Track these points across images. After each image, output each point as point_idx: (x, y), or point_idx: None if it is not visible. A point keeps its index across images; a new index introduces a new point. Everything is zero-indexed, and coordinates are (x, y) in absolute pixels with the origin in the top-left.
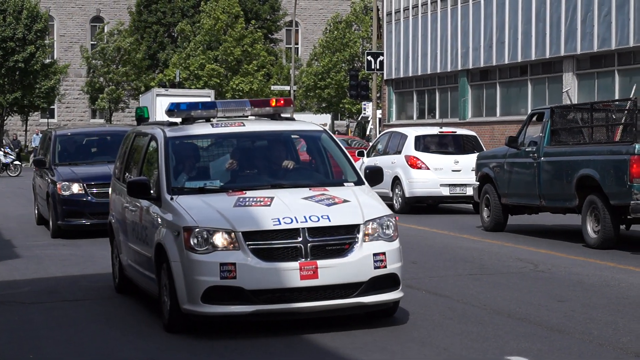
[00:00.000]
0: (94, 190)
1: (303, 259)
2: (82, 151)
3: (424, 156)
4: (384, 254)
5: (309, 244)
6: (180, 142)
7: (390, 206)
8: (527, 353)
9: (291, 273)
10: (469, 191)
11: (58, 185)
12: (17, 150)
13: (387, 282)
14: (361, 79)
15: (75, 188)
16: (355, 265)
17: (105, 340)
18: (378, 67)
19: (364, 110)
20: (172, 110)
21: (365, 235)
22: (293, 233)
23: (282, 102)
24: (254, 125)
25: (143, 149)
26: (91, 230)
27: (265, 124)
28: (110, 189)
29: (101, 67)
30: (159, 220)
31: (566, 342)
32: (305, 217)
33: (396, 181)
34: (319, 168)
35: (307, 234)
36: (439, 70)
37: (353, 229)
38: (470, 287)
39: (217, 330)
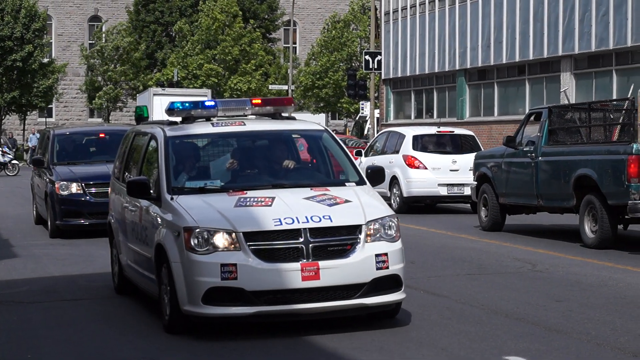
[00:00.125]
0: (93, 190)
1: (305, 260)
2: (81, 151)
3: (421, 156)
4: (386, 254)
5: (310, 245)
6: (181, 141)
7: (388, 206)
8: (525, 353)
9: (293, 274)
10: (467, 191)
11: (56, 185)
12: (13, 149)
13: (389, 283)
14: (359, 78)
15: (74, 188)
16: (357, 266)
17: (104, 340)
18: (376, 67)
19: (362, 109)
20: (172, 109)
21: (367, 235)
22: (294, 233)
23: (283, 101)
24: (254, 125)
25: (143, 148)
26: (90, 230)
27: (266, 123)
28: (109, 189)
29: (99, 66)
30: (159, 220)
31: (564, 342)
32: (306, 217)
33: (394, 181)
34: (320, 168)
35: (308, 235)
36: (436, 70)
37: (355, 229)
38: (468, 287)
39: (216, 331)
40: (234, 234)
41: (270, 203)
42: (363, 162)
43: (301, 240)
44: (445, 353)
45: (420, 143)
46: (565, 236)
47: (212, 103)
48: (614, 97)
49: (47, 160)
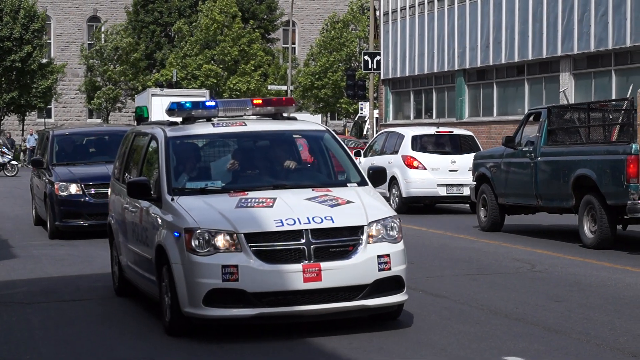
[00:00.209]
0: (92, 190)
1: (306, 261)
2: (80, 151)
3: (421, 156)
4: (388, 255)
5: (312, 246)
6: (181, 142)
7: None
8: (524, 353)
9: (294, 275)
10: (466, 191)
11: (56, 186)
12: (12, 150)
13: (391, 284)
14: (358, 78)
15: (73, 188)
16: (359, 267)
17: (103, 341)
18: (375, 67)
19: (361, 110)
20: (172, 109)
21: (369, 236)
22: (296, 234)
23: (284, 101)
24: (255, 125)
25: (143, 149)
26: (89, 231)
27: (267, 123)
28: (109, 190)
29: (98, 67)
30: (160, 221)
31: (563, 343)
32: (308, 218)
33: (393, 181)
34: (321, 168)
35: (310, 236)
36: (435, 70)
37: (357, 230)
38: (468, 287)
39: (215, 332)
40: (235, 235)
41: (271, 204)
42: (362, 163)
43: (303, 241)
44: (445, 353)
45: (420, 143)
46: (564, 236)
47: (213, 103)
48: (613, 97)
49: (46, 161)
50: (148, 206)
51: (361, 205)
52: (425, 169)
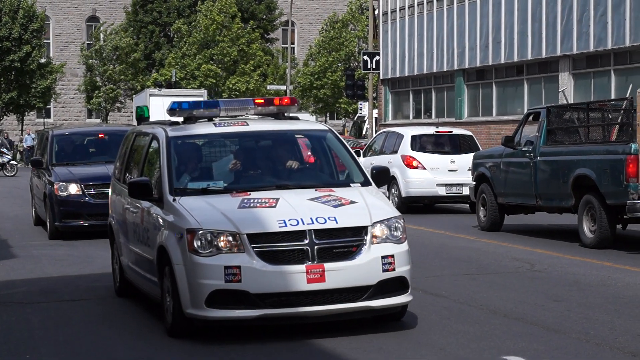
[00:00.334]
0: (92, 190)
1: (310, 262)
2: (80, 151)
3: (420, 156)
4: (392, 256)
5: (315, 247)
6: (183, 142)
7: None
8: (523, 353)
9: (297, 276)
10: (466, 191)
11: (55, 186)
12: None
13: (395, 285)
14: (357, 78)
15: (73, 189)
16: (363, 268)
17: (103, 341)
18: (374, 67)
19: (360, 110)
20: (174, 109)
21: (373, 237)
22: (299, 235)
23: (286, 100)
24: (257, 125)
25: (144, 149)
26: (89, 231)
27: (269, 123)
28: (110, 190)
29: (97, 67)
30: (161, 222)
31: (563, 342)
32: (311, 218)
33: (392, 181)
34: (324, 168)
35: (313, 236)
36: (435, 70)
37: (360, 231)
38: (467, 286)
39: (216, 332)
40: (237, 235)
41: (274, 204)
42: (361, 163)
43: (306, 241)
44: (444, 353)
45: (419, 143)
46: (563, 236)
47: (215, 103)
48: (613, 97)
49: (46, 161)
50: (149, 206)
51: (365, 206)
52: (424, 168)
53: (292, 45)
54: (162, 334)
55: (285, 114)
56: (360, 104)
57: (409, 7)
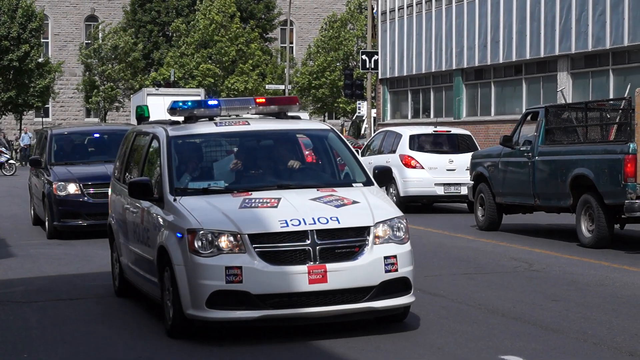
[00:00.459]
0: (91, 190)
1: (311, 262)
2: (79, 151)
3: (418, 155)
4: (395, 257)
5: (317, 247)
6: (183, 141)
7: None
8: (521, 352)
9: (299, 277)
10: (464, 190)
11: (54, 186)
12: (9, 150)
13: (398, 286)
14: (356, 78)
15: (72, 188)
16: (365, 268)
17: (101, 340)
18: (373, 67)
19: (359, 109)
20: (174, 108)
21: (375, 237)
22: (301, 235)
23: (287, 100)
24: (259, 124)
25: (144, 148)
26: (88, 231)
27: (270, 122)
28: (109, 190)
29: (96, 66)
30: (162, 221)
31: (561, 342)
32: (313, 218)
33: (391, 180)
34: (326, 168)
35: (315, 237)
36: (433, 70)
37: (363, 231)
38: (465, 286)
39: (216, 332)
40: (239, 235)
41: (275, 204)
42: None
43: (308, 242)
44: (442, 352)
45: (417, 143)
46: (561, 236)
47: (215, 102)
48: (611, 96)
49: (44, 161)
50: (149, 206)
51: (367, 206)
52: (422, 168)
53: (290, 45)
54: (162, 333)
55: (287, 113)
56: (359, 104)
57: (407, 7)
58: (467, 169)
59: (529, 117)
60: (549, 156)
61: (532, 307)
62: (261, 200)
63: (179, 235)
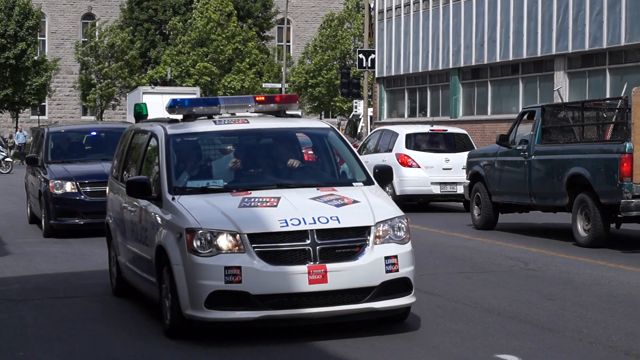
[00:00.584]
0: (88, 189)
1: (312, 262)
2: (76, 149)
3: (414, 154)
4: (395, 257)
5: (317, 247)
6: (182, 139)
7: None
8: (517, 351)
9: (299, 277)
10: (460, 189)
11: (50, 184)
12: (6, 148)
13: (399, 286)
14: (353, 77)
15: (68, 187)
16: (366, 269)
17: (97, 338)
18: (369, 65)
19: (355, 108)
20: (173, 106)
21: (376, 237)
22: (301, 235)
23: (287, 98)
24: (258, 123)
25: (142, 147)
26: (85, 230)
27: (270, 121)
28: (107, 188)
29: (93, 64)
30: (160, 221)
31: (556, 341)
32: (313, 218)
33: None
34: (325, 167)
35: (315, 236)
36: (430, 69)
37: (363, 231)
38: (461, 285)
39: (214, 332)
40: (238, 235)
41: (275, 203)
42: None
43: (308, 242)
44: (437, 351)
45: (414, 142)
46: (557, 235)
47: (214, 100)
48: (607, 96)
49: (41, 159)
50: (147, 205)
51: (368, 205)
52: (419, 167)
53: (287, 44)
54: (160, 333)
55: (287, 112)
56: (356, 103)
57: (404, 6)
58: (463, 168)
59: (525, 117)
60: (546, 155)
61: (528, 306)
62: (261, 200)
63: (177, 235)
